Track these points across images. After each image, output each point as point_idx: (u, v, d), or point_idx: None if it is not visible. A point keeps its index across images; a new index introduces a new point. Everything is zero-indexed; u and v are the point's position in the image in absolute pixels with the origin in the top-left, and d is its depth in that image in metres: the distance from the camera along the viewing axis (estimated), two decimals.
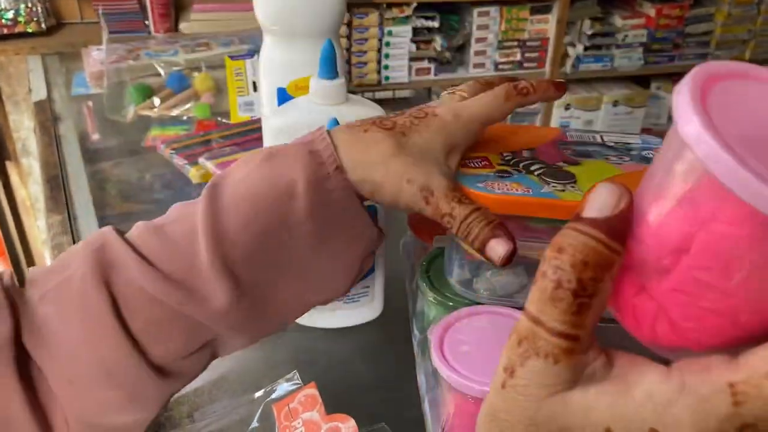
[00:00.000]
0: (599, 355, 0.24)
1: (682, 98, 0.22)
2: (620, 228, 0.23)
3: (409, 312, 0.60)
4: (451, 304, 0.51)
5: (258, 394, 0.49)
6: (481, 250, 0.40)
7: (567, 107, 2.25)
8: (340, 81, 0.57)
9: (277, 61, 0.67)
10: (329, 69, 0.56)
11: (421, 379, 0.52)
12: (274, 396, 0.46)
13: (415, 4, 1.89)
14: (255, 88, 1.17)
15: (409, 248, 0.67)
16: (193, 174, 0.89)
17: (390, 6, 1.88)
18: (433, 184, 0.42)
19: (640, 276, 0.24)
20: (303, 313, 0.46)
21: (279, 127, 0.57)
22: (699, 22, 2.22)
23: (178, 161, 0.92)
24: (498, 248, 0.40)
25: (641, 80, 2.35)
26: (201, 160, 0.87)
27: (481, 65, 2.04)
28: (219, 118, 1.11)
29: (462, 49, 2.04)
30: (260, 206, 0.41)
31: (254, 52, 1.29)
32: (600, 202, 0.24)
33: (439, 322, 0.49)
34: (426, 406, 0.50)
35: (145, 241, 0.41)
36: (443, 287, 0.52)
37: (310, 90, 0.58)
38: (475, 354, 0.45)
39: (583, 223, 0.23)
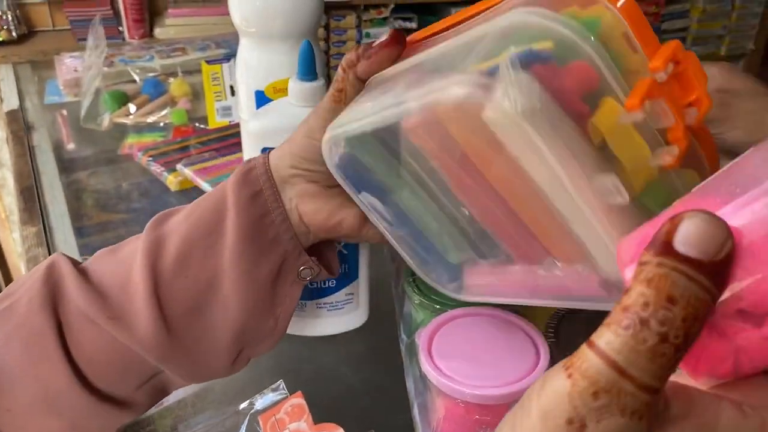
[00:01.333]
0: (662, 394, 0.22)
1: None
2: (725, 276, 0.21)
3: (396, 316, 0.59)
4: (438, 306, 0.50)
5: (243, 405, 0.47)
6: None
7: None
8: (320, 82, 0.56)
9: (254, 63, 0.66)
10: (308, 70, 0.55)
11: (410, 383, 0.51)
12: (259, 407, 0.45)
13: (392, 6, 1.88)
14: (233, 93, 1.15)
15: (394, 252, 0.66)
16: (170, 181, 0.88)
17: (367, 8, 1.88)
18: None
19: (722, 317, 0.22)
20: (232, 354, 0.44)
21: (258, 130, 0.56)
22: (675, 18, 2.24)
23: (156, 169, 0.90)
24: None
25: None
26: (179, 166, 0.85)
27: None
28: (196, 124, 1.10)
29: None
30: (197, 206, 0.43)
31: (231, 56, 1.27)
32: (705, 240, 0.20)
33: (426, 325, 0.48)
34: (415, 412, 0.49)
35: (95, 263, 0.43)
36: (429, 290, 0.51)
37: (288, 92, 0.57)
38: (464, 357, 0.44)
39: (692, 267, 0.20)
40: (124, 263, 0.42)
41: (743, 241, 0.21)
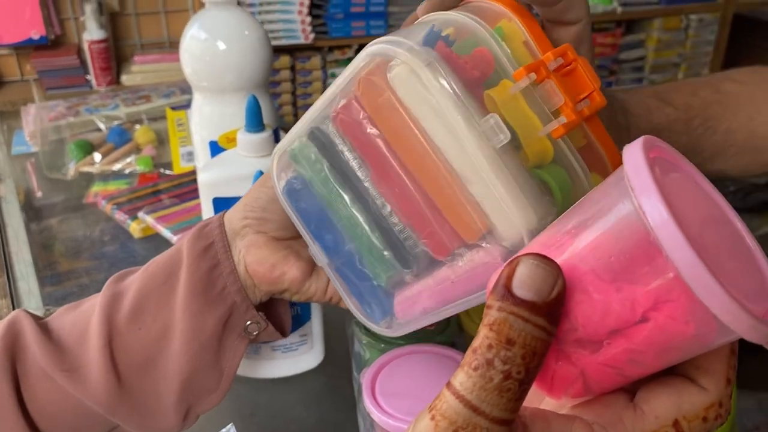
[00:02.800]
0: (518, 421, 0.24)
1: (641, 171, 0.22)
2: (558, 312, 0.23)
3: (350, 354, 0.61)
4: (383, 345, 0.52)
5: None
6: None
7: None
8: (267, 134, 0.59)
9: (207, 115, 0.69)
10: (255, 122, 0.58)
11: (360, 422, 0.53)
12: None
13: (355, 47, 1.93)
14: None
15: None
16: (134, 229, 0.89)
17: (332, 49, 1.92)
18: None
19: (564, 345, 0.24)
20: (183, 404, 0.45)
21: (208, 180, 0.58)
22: (632, 48, 2.32)
23: (120, 216, 0.92)
24: None
25: None
26: (140, 214, 0.87)
27: None
28: (162, 170, 1.12)
29: None
30: (154, 261, 0.45)
31: None
32: (537, 283, 0.22)
33: (371, 364, 0.50)
34: None
35: (56, 318, 0.44)
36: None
37: (237, 143, 0.59)
38: (408, 395, 0.46)
39: (527, 310, 0.22)
40: (83, 317, 0.44)
41: (573, 277, 0.23)
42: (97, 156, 1.12)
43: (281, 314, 0.50)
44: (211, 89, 0.67)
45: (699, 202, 0.25)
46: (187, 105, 1.25)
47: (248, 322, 0.45)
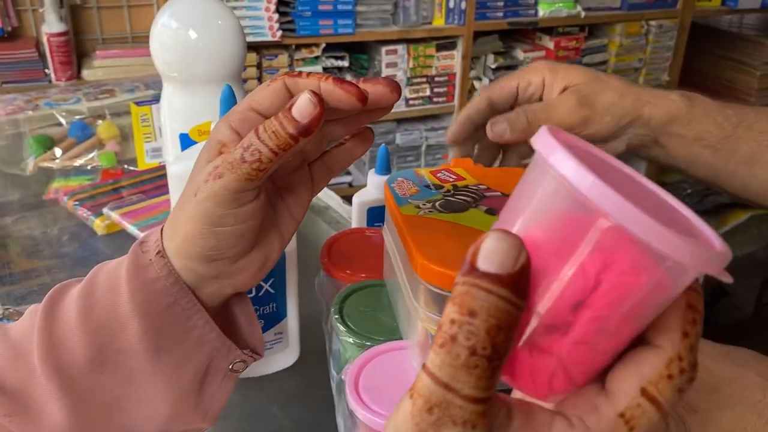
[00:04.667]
0: (501, 405, 0.24)
1: (550, 144, 0.23)
2: (524, 285, 0.22)
3: (327, 353, 0.60)
4: (366, 342, 0.50)
5: None
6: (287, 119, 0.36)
7: None
8: None
9: (178, 107, 0.66)
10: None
11: (339, 421, 0.51)
12: None
13: (324, 45, 1.92)
14: (162, 134, 1.15)
15: (322, 287, 0.66)
16: (97, 225, 0.86)
17: (299, 47, 1.90)
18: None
19: (534, 336, 0.24)
20: None
21: (180, 174, 0.56)
22: (595, 53, 2.35)
23: (82, 213, 0.89)
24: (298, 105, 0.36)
25: None
26: (105, 210, 0.84)
27: None
28: (126, 166, 1.08)
29: None
30: (91, 305, 0.39)
31: (160, 97, 1.27)
32: (500, 255, 0.22)
33: (353, 361, 0.49)
34: None
35: None
36: (357, 325, 0.52)
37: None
38: (392, 392, 0.45)
39: (489, 281, 0.22)
40: (19, 353, 0.39)
41: (533, 261, 0.23)
42: (57, 151, 1.08)
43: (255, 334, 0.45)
44: (182, 80, 0.65)
45: (612, 171, 0.26)
46: (152, 100, 1.22)
47: (234, 362, 0.42)
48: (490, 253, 0.22)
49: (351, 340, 0.51)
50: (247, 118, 0.39)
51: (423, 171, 0.54)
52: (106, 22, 1.74)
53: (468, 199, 0.49)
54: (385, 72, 2.03)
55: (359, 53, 2.04)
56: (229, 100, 0.56)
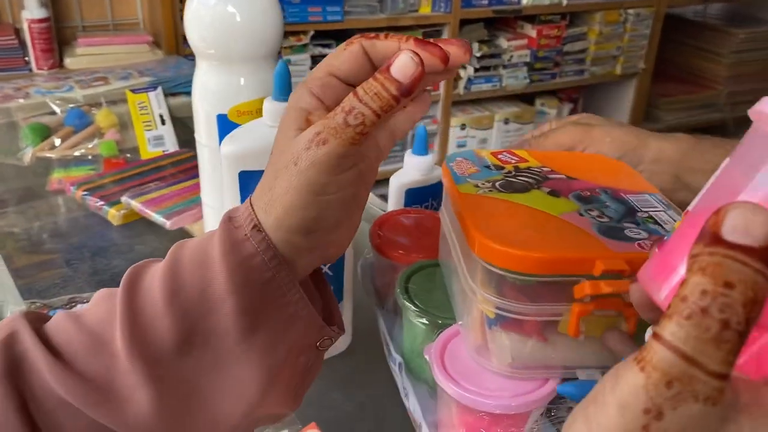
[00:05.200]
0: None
1: None
2: None
3: (382, 336, 0.58)
4: (439, 322, 0.49)
5: None
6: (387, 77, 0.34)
7: (462, 127, 2.32)
8: None
9: (213, 86, 0.64)
10: (284, 90, 0.54)
11: (413, 404, 0.50)
12: None
13: (312, 33, 1.88)
14: (162, 122, 1.11)
15: (367, 270, 0.65)
16: (112, 215, 0.83)
17: (287, 35, 1.86)
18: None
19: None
20: (248, 425, 0.40)
21: (233, 153, 0.54)
22: (575, 41, 2.37)
23: (93, 203, 0.85)
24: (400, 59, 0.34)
25: (527, 98, 2.48)
26: (124, 198, 0.80)
27: None
28: (128, 155, 1.04)
29: None
30: (180, 286, 0.36)
31: (157, 84, 1.22)
32: (754, 227, 0.21)
33: (435, 340, 0.47)
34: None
35: (60, 331, 0.37)
36: (427, 304, 0.51)
37: (264, 112, 0.55)
38: (477, 369, 0.44)
39: (743, 253, 0.20)
40: (99, 340, 0.37)
41: None
42: (56, 140, 1.03)
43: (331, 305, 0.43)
44: (219, 58, 0.62)
45: None
46: (148, 88, 1.18)
47: (323, 339, 0.40)
48: (740, 225, 0.21)
49: (423, 320, 0.50)
50: (327, 84, 0.37)
51: (484, 152, 0.53)
52: (86, 9, 1.67)
53: (530, 180, 0.48)
54: None
55: None
56: (284, 77, 0.54)
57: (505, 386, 0.42)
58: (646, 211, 0.44)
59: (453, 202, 0.46)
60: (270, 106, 0.54)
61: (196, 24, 0.61)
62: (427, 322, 0.49)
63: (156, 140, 1.08)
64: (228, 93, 0.63)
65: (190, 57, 1.76)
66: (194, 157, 1.01)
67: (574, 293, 0.35)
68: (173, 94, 1.24)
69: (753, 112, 0.25)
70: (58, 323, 0.38)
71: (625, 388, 0.22)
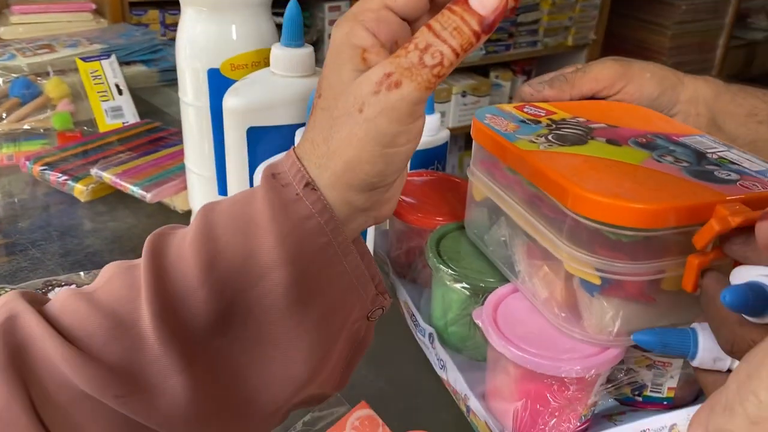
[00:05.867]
0: None
1: None
2: None
3: (404, 307, 0.54)
4: (482, 285, 0.45)
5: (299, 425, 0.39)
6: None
7: None
8: (308, 49, 0.49)
9: (202, 38, 0.57)
10: (295, 35, 0.49)
11: (453, 375, 0.46)
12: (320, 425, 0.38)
13: None
14: (120, 92, 1.02)
15: (380, 239, 0.60)
16: (78, 191, 0.75)
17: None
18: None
19: None
20: (290, 408, 0.35)
21: (238, 108, 0.48)
22: (528, 11, 2.36)
23: (55, 178, 0.77)
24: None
25: (481, 70, 2.46)
26: (94, 171, 0.72)
27: None
28: (85, 128, 0.96)
29: (316, 45, 1.98)
30: (217, 254, 0.31)
31: (109, 52, 1.13)
32: None
33: (481, 304, 0.43)
34: (474, 404, 0.43)
35: (69, 312, 0.31)
36: (463, 267, 0.46)
37: (272, 59, 0.49)
38: (535, 335, 0.40)
39: None
40: (120, 321, 0.31)
41: None
42: (2, 113, 0.93)
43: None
44: (208, 4, 0.55)
45: None
46: (101, 56, 1.08)
47: (375, 310, 0.36)
48: None
49: (463, 284, 0.46)
50: (383, 19, 0.32)
51: (506, 106, 0.49)
52: None
53: (578, 132, 0.44)
54: (329, 30, 1.94)
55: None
56: (296, 19, 0.48)
57: (575, 348, 0.38)
58: (714, 152, 0.41)
59: (516, 162, 0.41)
60: (280, 52, 0.49)
61: None
62: (468, 286, 0.45)
63: (114, 111, 0.99)
64: (219, 45, 0.56)
65: (139, 25, 1.65)
66: (161, 128, 0.93)
67: (697, 241, 0.32)
68: (127, 63, 1.15)
69: None
70: (65, 303, 0.31)
71: None
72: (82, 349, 0.30)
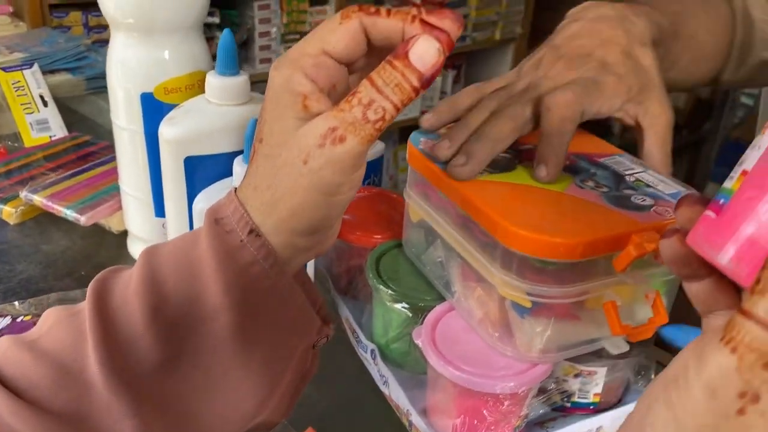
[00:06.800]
0: None
1: None
2: None
3: (346, 323, 0.55)
4: (421, 305, 0.47)
5: None
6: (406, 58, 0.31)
7: None
8: (243, 77, 0.50)
9: (134, 62, 0.56)
10: (230, 63, 0.49)
11: (395, 391, 0.48)
12: None
13: None
14: (45, 103, 0.99)
15: (326, 263, 0.61)
16: (7, 214, 0.72)
17: None
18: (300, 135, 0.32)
19: None
20: None
21: (176, 138, 0.48)
22: (456, 7, 2.40)
23: None
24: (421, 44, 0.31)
25: None
26: (24, 194, 0.70)
27: (267, 60, 1.98)
28: (9, 143, 0.92)
29: (246, 44, 1.96)
30: (162, 299, 0.32)
31: (32, 61, 1.09)
32: None
33: (421, 323, 0.45)
34: (415, 419, 0.46)
35: (11, 363, 0.31)
36: (402, 287, 0.48)
37: (207, 88, 0.50)
38: (469, 352, 0.43)
39: None
40: (65, 368, 0.31)
41: None
42: None
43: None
44: (139, 29, 0.55)
45: None
46: (22, 65, 1.04)
47: (321, 339, 0.37)
48: None
49: (402, 304, 0.47)
50: (321, 64, 0.33)
51: (443, 130, 0.51)
52: None
53: (507, 155, 0.46)
54: (259, 28, 1.92)
55: (229, 8, 1.90)
56: (230, 48, 0.49)
57: (508, 366, 0.41)
58: (631, 174, 0.44)
59: (449, 190, 0.43)
60: (215, 81, 0.49)
61: None
62: (408, 306, 0.47)
63: (40, 125, 0.96)
64: (151, 69, 0.56)
65: (62, 29, 1.59)
66: (90, 142, 0.91)
67: (617, 265, 0.35)
68: (51, 72, 1.11)
69: None
70: (7, 354, 0.32)
71: (714, 371, 0.21)
72: (29, 401, 0.30)
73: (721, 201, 0.26)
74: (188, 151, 0.48)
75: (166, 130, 0.47)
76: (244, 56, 1.99)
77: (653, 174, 0.44)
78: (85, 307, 0.32)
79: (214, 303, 0.32)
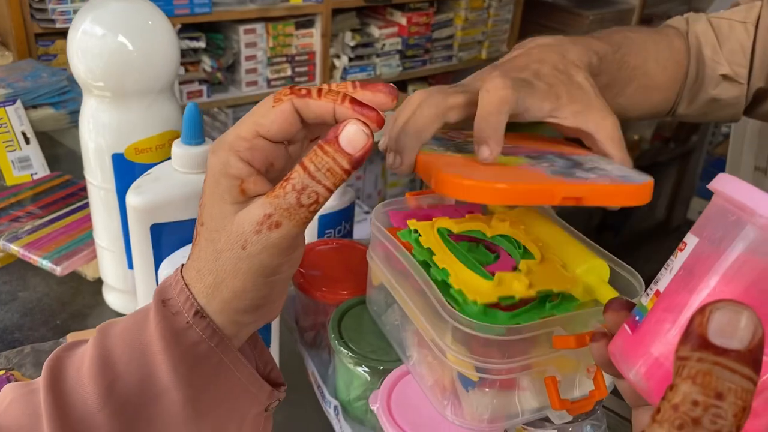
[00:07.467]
0: None
1: (746, 193, 0.23)
2: (760, 359, 0.21)
3: (311, 377, 0.57)
4: (381, 368, 0.49)
5: None
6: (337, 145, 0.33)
7: None
8: (208, 146, 0.52)
9: (105, 123, 0.58)
10: (195, 134, 0.51)
11: None
12: None
13: (179, 26, 1.78)
14: (27, 141, 1.01)
15: (289, 306, 0.63)
16: None
17: None
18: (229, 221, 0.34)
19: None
20: None
21: (142, 207, 0.50)
22: (443, 27, 2.43)
23: None
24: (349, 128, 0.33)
25: (400, 85, 2.51)
26: (2, 242, 0.72)
27: (254, 83, 2.00)
28: None
29: (233, 68, 1.98)
30: (114, 378, 0.34)
31: (15, 97, 1.10)
32: (739, 329, 0.21)
33: (378, 387, 0.47)
34: None
35: None
36: (363, 347, 0.50)
37: (173, 157, 0.51)
38: (426, 415, 0.44)
39: (732, 359, 0.21)
40: None
41: None
42: None
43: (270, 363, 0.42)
44: (111, 92, 0.57)
45: None
46: (6, 102, 1.06)
47: (272, 403, 0.39)
48: (727, 327, 0.21)
49: (363, 367, 0.49)
50: (257, 147, 0.34)
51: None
52: None
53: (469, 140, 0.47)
54: (245, 52, 1.93)
55: (215, 32, 1.92)
56: (195, 120, 0.50)
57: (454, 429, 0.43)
58: (592, 163, 0.44)
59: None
60: (180, 151, 0.51)
61: (82, 55, 0.56)
62: (368, 369, 0.49)
63: (22, 162, 0.98)
64: (122, 131, 0.58)
65: (47, 57, 1.60)
66: (72, 182, 0.93)
67: (556, 345, 0.37)
68: (33, 107, 1.12)
69: (711, 187, 0.26)
70: None
71: None
72: None
73: (637, 318, 0.28)
74: (154, 219, 0.49)
75: (132, 199, 0.49)
76: (230, 80, 2.00)
77: (615, 166, 0.44)
78: (41, 386, 0.34)
79: (164, 381, 0.34)
